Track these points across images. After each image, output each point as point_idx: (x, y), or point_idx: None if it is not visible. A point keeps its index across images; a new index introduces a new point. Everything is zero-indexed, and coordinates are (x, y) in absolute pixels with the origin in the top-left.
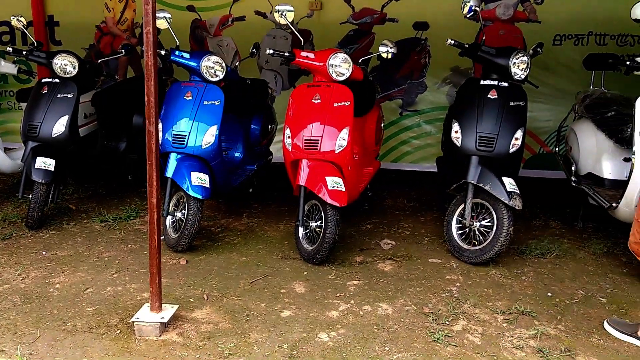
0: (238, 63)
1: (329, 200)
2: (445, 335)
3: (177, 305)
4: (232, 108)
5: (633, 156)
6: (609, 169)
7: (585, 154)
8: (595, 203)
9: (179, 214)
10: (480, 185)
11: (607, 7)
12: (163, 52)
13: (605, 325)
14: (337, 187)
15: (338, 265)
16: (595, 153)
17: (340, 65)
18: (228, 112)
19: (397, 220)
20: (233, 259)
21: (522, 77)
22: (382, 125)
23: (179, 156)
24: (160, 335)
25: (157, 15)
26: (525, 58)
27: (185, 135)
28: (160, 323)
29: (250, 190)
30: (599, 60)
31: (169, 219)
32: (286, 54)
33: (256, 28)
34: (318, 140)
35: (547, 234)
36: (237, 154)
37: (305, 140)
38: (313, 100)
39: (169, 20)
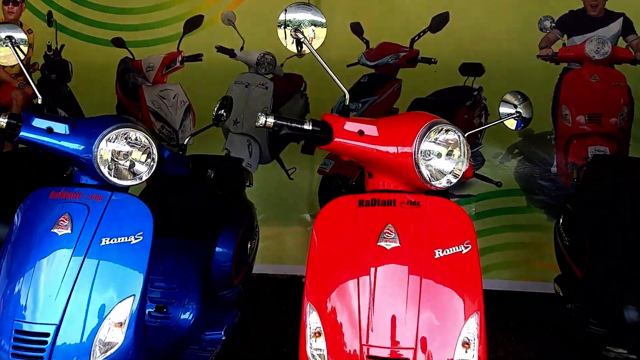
0: (188, 140)
1: None
2: None
3: None
4: (177, 226)
5: None
6: None
7: None
8: None
9: None
10: None
11: None
12: (4, 123)
13: None
14: None
15: None
16: None
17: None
18: (166, 235)
19: None
20: None
21: None
22: None
23: None
24: None
25: None
26: None
27: (49, 333)
28: None
29: None
30: None
31: None
32: (307, 127)
33: (218, 71)
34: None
35: None
36: (185, 315)
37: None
38: (382, 244)
39: (16, 44)
